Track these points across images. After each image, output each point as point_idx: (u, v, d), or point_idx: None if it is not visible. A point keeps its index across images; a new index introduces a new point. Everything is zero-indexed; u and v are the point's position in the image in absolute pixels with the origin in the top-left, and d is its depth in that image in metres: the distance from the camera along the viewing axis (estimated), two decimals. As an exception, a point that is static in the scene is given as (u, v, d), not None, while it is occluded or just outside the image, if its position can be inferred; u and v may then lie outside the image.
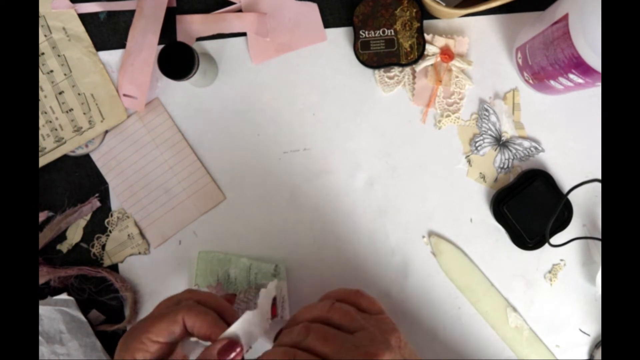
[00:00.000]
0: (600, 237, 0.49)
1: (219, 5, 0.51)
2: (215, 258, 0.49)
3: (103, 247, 0.50)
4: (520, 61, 0.48)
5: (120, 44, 0.51)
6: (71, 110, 0.50)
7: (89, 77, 0.50)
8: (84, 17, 0.51)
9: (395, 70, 0.50)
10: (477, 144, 0.50)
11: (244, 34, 0.51)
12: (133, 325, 0.37)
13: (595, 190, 0.50)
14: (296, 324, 0.35)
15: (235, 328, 0.35)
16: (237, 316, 0.36)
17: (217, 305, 0.37)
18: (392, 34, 0.49)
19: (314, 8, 0.50)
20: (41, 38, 0.50)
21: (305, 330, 0.34)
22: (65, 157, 0.51)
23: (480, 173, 0.50)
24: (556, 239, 0.48)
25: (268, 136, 0.51)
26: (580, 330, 0.49)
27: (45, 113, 0.50)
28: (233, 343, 0.34)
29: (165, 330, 0.35)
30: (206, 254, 0.50)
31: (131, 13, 0.51)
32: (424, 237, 0.50)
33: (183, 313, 0.35)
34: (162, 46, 0.45)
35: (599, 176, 0.48)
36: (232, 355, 0.34)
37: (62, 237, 0.51)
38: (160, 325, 0.35)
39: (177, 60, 0.44)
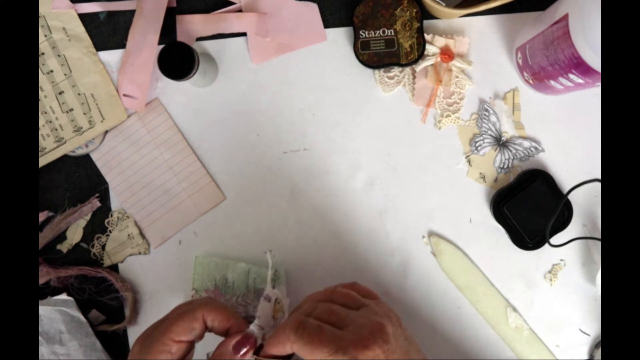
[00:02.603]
0: (600, 237, 0.49)
1: (219, 5, 0.51)
2: (213, 263, 0.49)
3: (103, 247, 0.50)
4: (520, 61, 0.48)
5: (120, 44, 0.51)
6: (71, 110, 0.50)
7: (89, 77, 0.50)
8: (84, 17, 0.51)
9: (395, 70, 0.50)
10: (477, 144, 0.50)
11: (244, 34, 0.51)
12: (148, 328, 0.37)
13: (595, 190, 0.50)
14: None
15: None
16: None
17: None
18: (392, 34, 0.49)
19: (314, 8, 0.50)
20: (41, 38, 0.50)
21: (312, 306, 0.35)
22: (65, 157, 0.51)
23: (480, 173, 0.50)
24: (556, 239, 0.48)
25: (268, 136, 0.51)
26: (580, 330, 0.49)
27: (45, 113, 0.50)
28: (248, 337, 0.34)
29: (186, 327, 0.35)
30: (203, 258, 0.49)
31: (131, 13, 0.51)
32: (424, 237, 0.50)
33: (202, 309, 0.35)
34: (162, 46, 0.45)
35: (599, 176, 0.48)
36: (247, 348, 0.34)
37: (62, 237, 0.51)
38: (181, 324, 0.35)
39: (177, 60, 0.44)
